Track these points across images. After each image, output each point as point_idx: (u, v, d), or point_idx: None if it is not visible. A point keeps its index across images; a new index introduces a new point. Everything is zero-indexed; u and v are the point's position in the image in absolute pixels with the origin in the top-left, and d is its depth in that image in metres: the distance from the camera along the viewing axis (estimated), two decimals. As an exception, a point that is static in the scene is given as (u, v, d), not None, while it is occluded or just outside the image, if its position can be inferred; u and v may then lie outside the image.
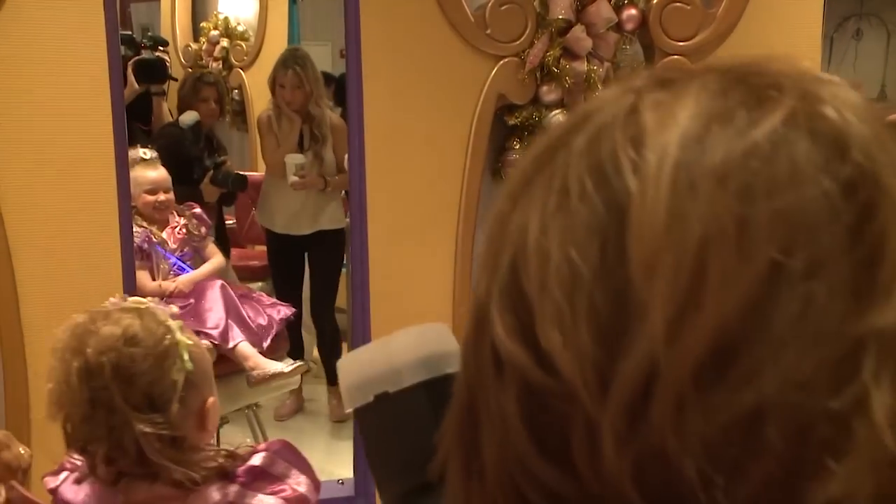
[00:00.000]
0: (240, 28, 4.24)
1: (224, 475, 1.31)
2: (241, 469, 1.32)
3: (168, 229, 3.11)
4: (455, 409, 0.44)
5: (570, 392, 0.36)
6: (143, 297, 2.89)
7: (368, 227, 2.55)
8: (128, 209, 2.46)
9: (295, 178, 3.48)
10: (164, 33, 4.22)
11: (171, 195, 3.14)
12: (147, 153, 3.09)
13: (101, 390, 1.24)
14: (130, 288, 2.47)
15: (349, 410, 0.68)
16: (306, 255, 3.70)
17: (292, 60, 3.53)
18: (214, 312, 2.97)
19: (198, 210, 3.18)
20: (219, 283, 3.04)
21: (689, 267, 0.35)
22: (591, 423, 0.36)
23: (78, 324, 1.28)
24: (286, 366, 2.98)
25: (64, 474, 1.38)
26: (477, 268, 0.45)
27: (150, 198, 3.10)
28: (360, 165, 2.54)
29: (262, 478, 1.32)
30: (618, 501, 0.36)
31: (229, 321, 2.95)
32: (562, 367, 0.36)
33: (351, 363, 0.68)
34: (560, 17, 2.53)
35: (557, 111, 2.58)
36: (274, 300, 3.21)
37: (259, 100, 4.17)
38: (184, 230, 3.11)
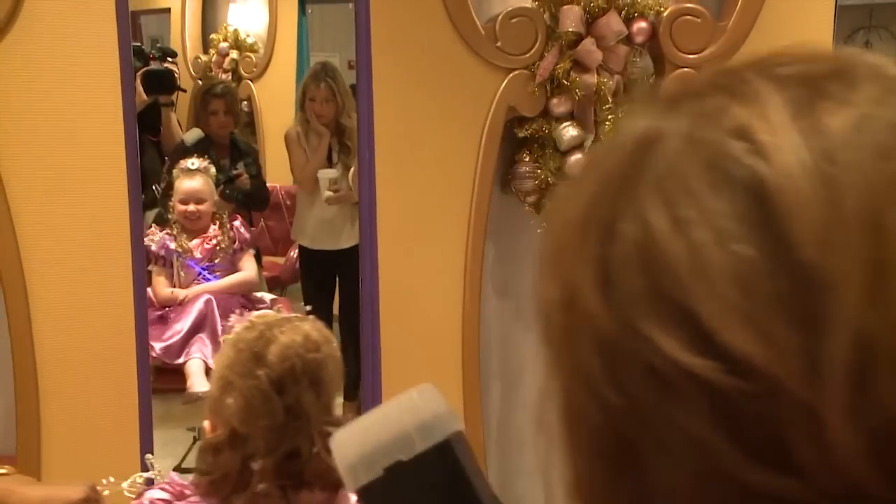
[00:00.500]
0: (249, 40, 4.26)
1: None
2: None
3: (198, 239, 3.14)
4: (597, 465, 0.41)
5: (773, 388, 0.35)
6: (156, 302, 2.94)
7: (378, 239, 2.56)
8: (138, 218, 2.47)
9: (329, 193, 3.50)
10: (174, 45, 4.24)
11: (206, 206, 3.19)
12: (195, 163, 3.16)
13: (295, 397, 1.24)
14: (142, 296, 2.48)
15: (353, 491, 0.62)
16: (340, 268, 3.68)
17: (324, 73, 3.57)
18: (177, 326, 2.98)
19: (237, 223, 3.22)
20: (204, 297, 3.04)
21: (867, 231, 0.35)
22: (811, 412, 0.35)
23: (246, 337, 1.27)
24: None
25: None
26: (556, 301, 0.43)
27: (182, 207, 3.18)
28: (371, 177, 2.55)
29: None
30: (850, 486, 0.35)
31: (197, 336, 2.95)
32: (760, 365, 0.35)
33: (349, 437, 0.62)
34: (570, 29, 2.54)
35: (567, 123, 2.59)
36: None
37: (268, 111, 4.19)
38: (213, 241, 3.14)
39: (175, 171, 3.24)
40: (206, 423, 1.32)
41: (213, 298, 3.04)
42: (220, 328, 2.97)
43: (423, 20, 2.52)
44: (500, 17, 2.55)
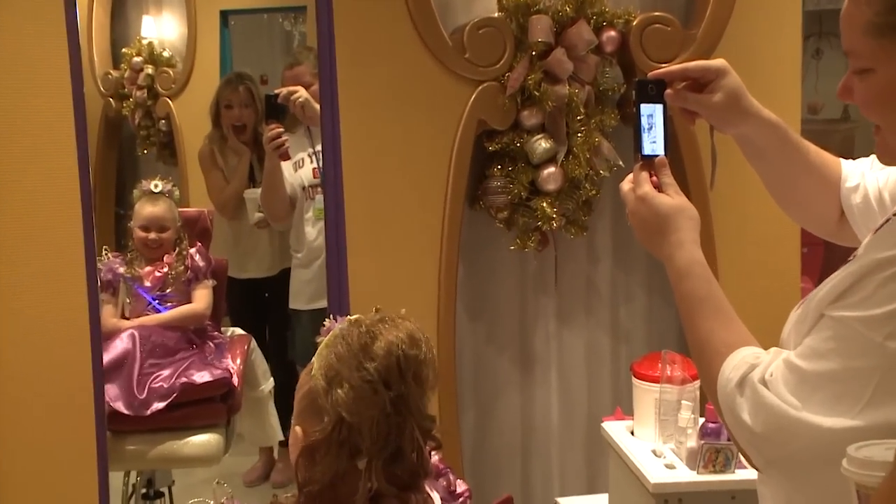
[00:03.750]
0: (165, 54, 4.31)
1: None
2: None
3: (150, 266, 3.21)
4: None
5: None
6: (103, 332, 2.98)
7: (348, 259, 2.68)
8: (91, 244, 2.55)
9: (259, 215, 3.56)
10: (81, 60, 4.27)
11: (168, 234, 3.28)
12: (159, 185, 3.21)
13: (400, 391, 1.38)
14: (96, 323, 2.59)
15: None
16: (268, 297, 3.76)
17: (239, 79, 3.68)
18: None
19: (192, 250, 3.30)
20: (128, 332, 3.10)
21: None
22: None
23: (354, 332, 1.41)
24: None
25: None
26: None
27: (142, 234, 3.27)
28: (338, 195, 2.68)
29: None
30: None
31: (115, 375, 3.02)
32: None
33: None
34: (539, 39, 2.72)
35: (539, 136, 2.77)
36: (222, 364, 3.24)
37: (189, 130, 4.25)
38: (164, 269, 3.19)
39: (136, 193, 3.32)
40: (298, 430, 1.44)
41: (136, 334, 3.09)
42: (137, 368, 3.03)
43: (388, 32, 2.68)
44: (467, 28, 2.73)
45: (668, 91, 1.47)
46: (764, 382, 1.19)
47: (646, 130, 1.46)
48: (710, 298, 1.32)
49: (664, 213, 1.38)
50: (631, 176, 1.44)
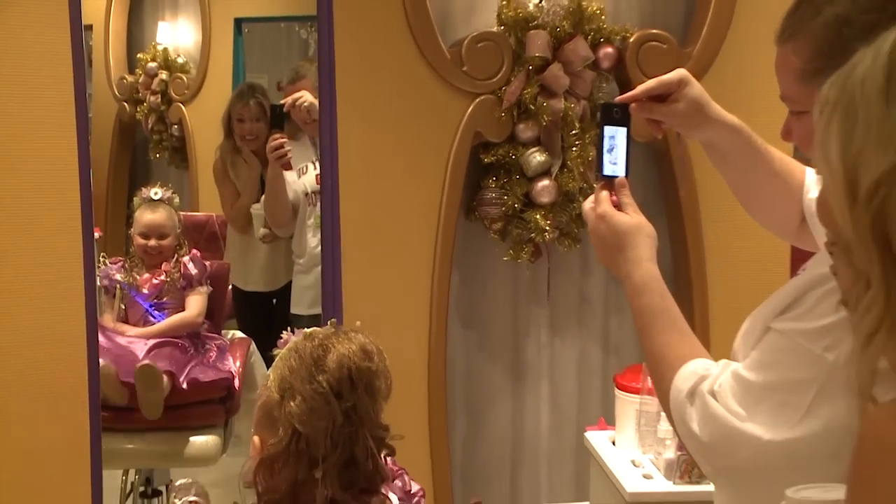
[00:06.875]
0: (180, 60, 4.48)
1: None
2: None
3: (149, 273, 3.39)
4: None
5: None
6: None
7: (342, 267, 2.82)
8: (91, 250, 2.72)
9: (265, 231, 3.68)
10: (97, 64, 4.45)
11: (168, 241, 3.44)
12: (158, 193, 3.38)
13: (352, 402, 1.50)
14: (93, 331, 2.74)
15: None
16: (276, 303, 3.89)
17: (251, 92, 3.83)
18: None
19: (186, 258, 3.45)
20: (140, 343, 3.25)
21: None
22: None
23: (307, 346, 1.54)
24: None
25: None
26: None
27: (142, 241, 3.43)
28: (334, 204, 2.82)
29: None
30: None
31: None
32: None
33: None
34: (537, 54, 2.87)
35: (534, 149, 2.91)
36: (225, 366, 3.39)
37: (200, 135, 4.42)
38: (162, 277, 3.37)
39: (136, 200, 3.49)
40: (256, 439, 1.58)
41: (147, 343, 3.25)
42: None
43: (387, 44, 2.84)
44: (465, 42, 2.88)
45: (633, 105, 1.55)
46: (713, 393, 1.28)
47: (608, 152, 1.54)
48: (665, 313, 1.41)
49: (622, 230, 1.45)
50: (593, 196, 1.52)
